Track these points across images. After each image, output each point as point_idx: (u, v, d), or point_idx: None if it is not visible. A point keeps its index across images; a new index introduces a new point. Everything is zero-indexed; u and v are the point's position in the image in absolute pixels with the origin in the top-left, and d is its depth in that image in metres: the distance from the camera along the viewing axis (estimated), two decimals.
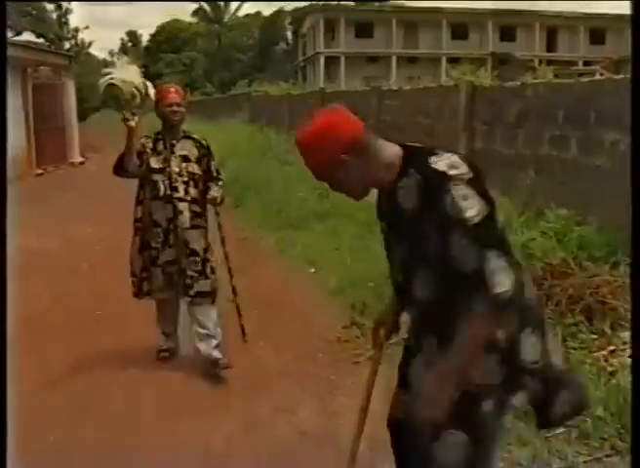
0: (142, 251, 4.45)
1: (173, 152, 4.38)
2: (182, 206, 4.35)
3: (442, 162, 2.01)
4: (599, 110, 6.21)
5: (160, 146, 4.38)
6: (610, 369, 3.83)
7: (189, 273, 4.38)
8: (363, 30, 49.70)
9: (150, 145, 4.38)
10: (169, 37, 65.52)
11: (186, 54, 62.71)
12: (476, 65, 15.65)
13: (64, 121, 19.35)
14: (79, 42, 55.97)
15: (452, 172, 1.98)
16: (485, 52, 46.95)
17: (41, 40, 41.02)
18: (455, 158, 2.04)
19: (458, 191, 1.95)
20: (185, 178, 4.37)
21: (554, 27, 50.55)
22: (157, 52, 64.85)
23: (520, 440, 3.32)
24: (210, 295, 4.45)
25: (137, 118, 4.15)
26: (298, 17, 56.44)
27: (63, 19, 52.14)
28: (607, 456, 3.18)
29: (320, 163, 2.12)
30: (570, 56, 47.54)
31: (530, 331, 2.13)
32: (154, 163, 4.35)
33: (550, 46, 50.82)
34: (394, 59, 48.40)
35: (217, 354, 4.39)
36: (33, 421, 3.74)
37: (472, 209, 1.95)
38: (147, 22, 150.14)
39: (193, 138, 4.50)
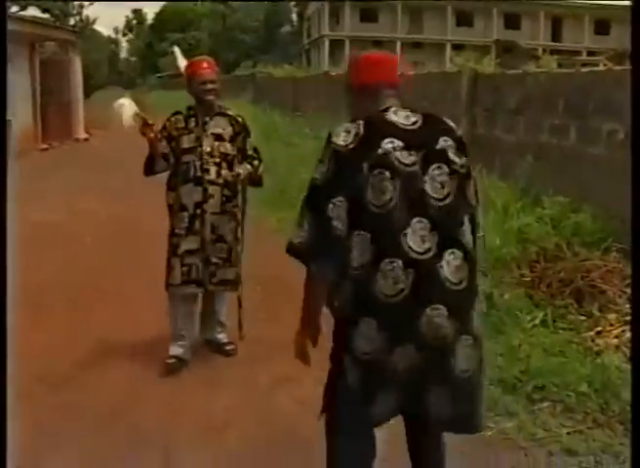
0: (170, 237, 4.15)
1: (205, 130, 4.07)
2: (213, 189, 4.05)
3: (344, 126, 2.28)
4: (598, 100, 6.31)
5: (192, 124, 4.09)
6: (596, 348, 3.99)
7: (214, 260, 4.09)
8: (368, 15, 49.56)
9: (182, 124, 4.09)
10: (174, 16, 65.26)
11: (191, 34, 62.52)
12: (480, 53, 15.68)
13: (70, 97, 19.38)
14: (84, 18, 55.66)
15: (333, 137, 2.26)
16: (489, 39, 46.83)
17: (46, 15, 40.82)
18: (358, 129, 2.26)
19: (324, 152, 2.26)
20: (217, 159, 4.06)
21: (559, 16, 50.45)
22: (162, 30, 64.66)
23: (507, 411, 3.47)
24: (233, 284, 4.21)
25: (155, 126, 3.97)
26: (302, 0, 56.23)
27: None
28: (589, 428, 3.33)
29: (362, 75, 2.41)
30: (574, 45, 47.40)
31: (365, 321, 2.20)
32: (185, 142, 4.05)
33: (555, 35, 50.71)
34: (399, 45, 48.25)
35: (226, 340, 4.38)
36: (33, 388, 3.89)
37: (317, 171, 2.25)
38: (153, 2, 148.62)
39: (229, 115, 4.17)
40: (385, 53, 2.54)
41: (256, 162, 4.22)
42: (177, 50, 4.60)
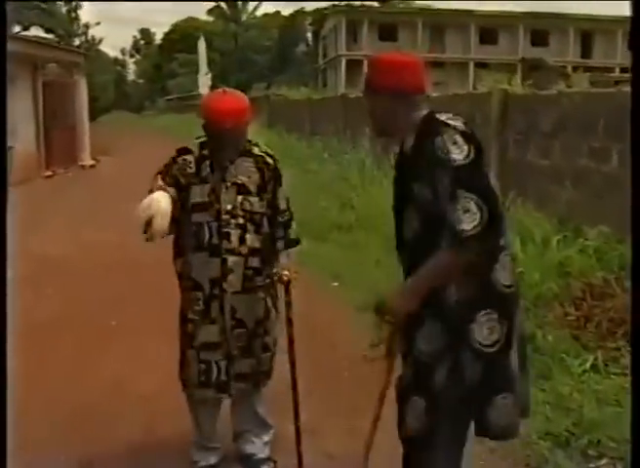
0: (182, 323, 3.34)
1: (224, 179, 3.18)
2: (234, 261, 3.18)
3: (444, 115, 2.38)
4: None
5: (206, 169, 3.18)
6: None
7: (233, 352, 3.28)
8: (387, 33, 49.82)
9: (192, 168, 3.18)
10: (184, 36, 66.08)
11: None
12: (506, 72, 15.66)
13: (75, 121, 19.56)
14: (89, 39, 56.50)
15: (449, 121, 2.33)
16: (515, 57, 46.93)
17: (50, 36, 41.43)
18: (456, 118, 2.37)
19: (449, 135, 2.27)
20: (241, 220, 3.18)
21: (589, 32, 50.46)
22: (171, 51, 65.54)
23: None
24: (252, 378, 3.37)
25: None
26: (318, 17, 56.76)
27: (73, 15, 52.71)
28: None
29: (397, 83, 2.44)
30: (606, 62, 47.32)
31: (485, 314, 2.34)
32: (198, 195, 3.16)
33: (585, 52, 50.74)
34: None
35: (264, 454, 3.53)
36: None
37: (458, 153, 2.25)
38: (161, 20, 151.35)
39: (255, 155, 3.26)
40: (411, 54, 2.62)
41: (292, 225, 3.41)
42: (202, 45, 3.54)
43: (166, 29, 75.01)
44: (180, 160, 3.20)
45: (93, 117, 28.23)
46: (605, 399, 3.76)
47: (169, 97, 62.00)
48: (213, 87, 59.84)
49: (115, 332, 5.58)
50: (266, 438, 3.53)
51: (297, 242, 3.48)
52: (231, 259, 3.18)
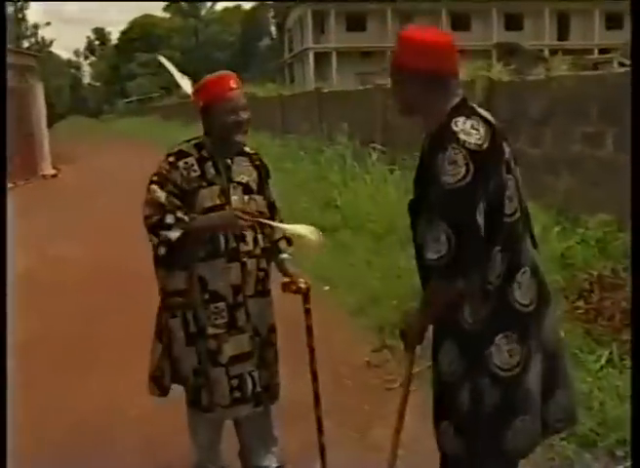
0: (195, 342, 3.14)
1: (230, 179, 3.13)
2: (251, 264, 3.15)
3: (462, 124, 2.25)
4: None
5: (211, 170, 3.09)
6: None
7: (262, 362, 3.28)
8: (355, 23, 49.98)
9: (196, 170, 3.06)
10: (142, 34, 65.75)
11: (161, 52, 62.86)
12: (480, 58, 15.69)
13: (33, 129, 19.31)
14: (39, 40, 55.89)
15: (461, 136, 2.21)
16: (489, 43, 47.20)
17: None
18: (479, 126, 2.26)
19: (451, 154, 2.18)
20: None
21: (566, 13, 50.88)
22: (129, 51, 65.11)
23: None
24: (270, 393, 3.35)
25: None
26: (282, 9, 56.69)
27: (20, 15, 52.08)
28: None
29: (430, 63, 2.31)
30: (584, 43, 47.71)
31: (503, 336, 2.34)
32: (207, 199, 3.05)
33: (562, 34, 51.16)
34: (390, 54, 48.51)
35: (275, 462, 3.55)
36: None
37: (451, 176, 2.17)
38: (115, 18, 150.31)
39: (248, 153, 3.26)
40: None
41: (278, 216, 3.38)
42: (164, 60, 3.64)
43: (122, 28, 74.62)
44: (180, 164, 3.05)
45: (49, 124, 27.91)
46: (626, 395, 3.76)
47: (128, 100, 61.69)
48: (175, 86, 59.93)
49: (97, 349, 5.50)
50: (274, 449, 3.53)
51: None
52: (249, 262, 3.13)
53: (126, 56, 65.42)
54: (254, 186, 3.21)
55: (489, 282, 2.30)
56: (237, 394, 3.15)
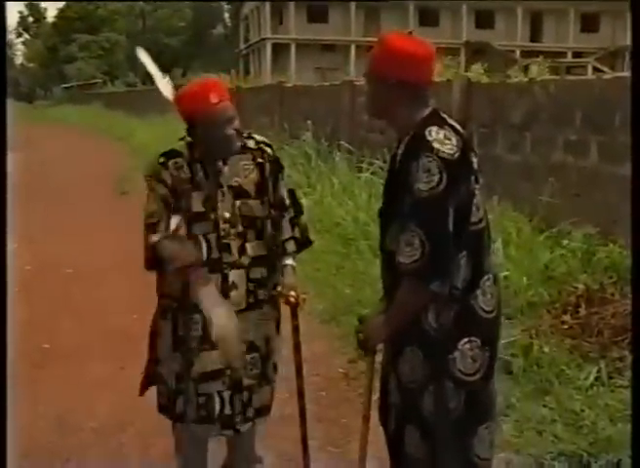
0: (178, 348, 3.15)
1: (220, 184, 3.10)
2: (236, 275, 3.09)
3: (435, 133, 2.43)
4: (624, 111, 6.39)
5: (199, 174, 3.07)
6: None
7: (246, 382, 3.18)
8: (316, 13, 50.06)
9: (186, 173, 3.05)
10: (82, 14, 64.83)
11: (105, 35, 62.26)
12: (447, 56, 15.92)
13: None
14: None
15: (435, 145, 2.40)
16: (458, 41, 47.73)
17: None
18: (451, 136, 2.44)
19: (425, 162, 2.38)
20: (240, 228, 3.10)
21: (539, 12, 51.58)
22: (68, 31, 64.09)
23: None
24: (270, 410, 3.38)
25: None
26: None
27: None
28: None
29: (411, 74, 2.49)
30: (557, 46, 48.38)
31: (468, 342, 2.53)
32: (195, 204, 3.05)
33: (535, 34, 51.85)
34: (353, 48, 48.81)
35: None
36: None
37: (425, 183, 2.37)
38: None
39: (251, 149, 3.18)
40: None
41: (298, 218, 3.32)
42: (143, 55, 3.50)
43: (59, 5, 73.39)
44: (171, 164, 3.03)
45: None
46: (616, 415, 3.89)
47: (67, 85, 60.78)
48: (120, 73, 58.80)
49: (49, 356, 5.47)
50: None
51: (309, 242, 3.42)
52: (232, 274, 3.08)
53: (65, 36, 64.37)
54: (250, 189, 3.14)
55: (455, 287, 2.49)
56: (203, 413, 3.13)
